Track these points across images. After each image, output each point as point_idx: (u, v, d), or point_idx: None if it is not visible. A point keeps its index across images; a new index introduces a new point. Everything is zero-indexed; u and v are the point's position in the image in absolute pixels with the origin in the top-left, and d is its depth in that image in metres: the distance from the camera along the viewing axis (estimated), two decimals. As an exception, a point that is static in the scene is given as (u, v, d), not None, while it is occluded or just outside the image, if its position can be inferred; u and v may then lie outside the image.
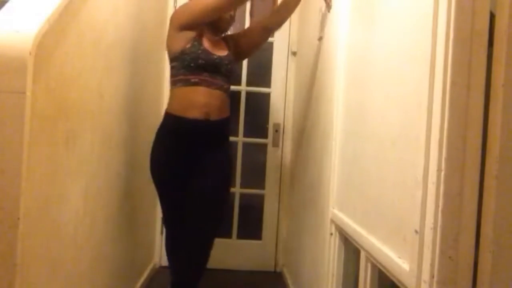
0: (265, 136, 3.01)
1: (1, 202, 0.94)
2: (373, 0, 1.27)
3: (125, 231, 2.03)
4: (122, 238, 1.97)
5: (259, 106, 3.02)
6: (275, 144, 2.99)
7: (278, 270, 2.97)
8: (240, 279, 2.82)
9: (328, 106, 1.77)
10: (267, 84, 3.01)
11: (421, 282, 0.84)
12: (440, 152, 0.80)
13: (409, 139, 0.94)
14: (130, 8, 1.90)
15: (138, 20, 2.08)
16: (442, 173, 0.80)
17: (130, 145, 2.02)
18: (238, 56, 1.98)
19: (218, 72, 1.80)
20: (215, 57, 1.80)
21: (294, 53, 2.93)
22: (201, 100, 1.74)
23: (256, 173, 3.00)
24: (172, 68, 1.82)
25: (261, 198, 3.01)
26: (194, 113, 1.74)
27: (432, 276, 0.81)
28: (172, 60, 1.82)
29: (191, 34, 1.77)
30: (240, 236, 2.99)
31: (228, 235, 2.95)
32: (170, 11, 2.89)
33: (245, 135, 2.98)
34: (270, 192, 3.01)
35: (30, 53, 0.96)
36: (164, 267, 2.71)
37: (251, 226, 3.01)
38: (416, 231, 0.86)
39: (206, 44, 1.81)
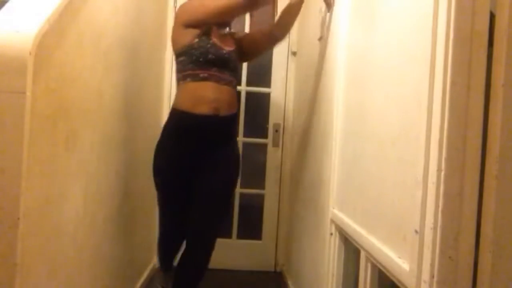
0: (265, 136, 3.01)
1: (1, 202, 0.94)
2: (373, 0, 1.27)
3: (125, 231, 2.03)
4: (122, 238, 1.97)
5: (259, 106, 3.02)
6: (275, 144, 2.99)
7: (278, 270, 2.97)
8: (240, 279, 2.82)
9: (328, 106, 1.77)
10: (267, 84, 3.01)
11: (421, 282, 0.84)
12: (440, 152, 0.80)
13: (409, 139, 0.94)
14: (130, 8, 1.90)
15: (138, 20, 2.08)
16: (442, 173, 0.80)
17: (130, 145, 2.02)
18: (239, 57, 1.96)
19: (227, 67, 1.78)
20: (225, 51, 1.78)
21: (294, 53, 2.94)
22: (210, 95, 1.71)
23: (256, 173, 3.00)
24: (179, 63, 1.78)
25: (261, 198, 3.01)
26: (203, 109, 1.71)
27: (432, 276, 0.81)
28: (179, 54, 1.78)
29: (198, 29, 1.74)
30: (240, 236, 3.00)
31: (228, 235, 2.95)
32: (170, 11, 2.89)
33: (245, 135, 2.98)
34: (270, 192, 3.01)
35: (30, 53, 0.96)
36: (164, 267, 2.71)
37: (251, 226, 3.01)
38: (416, 231, 0.86)
39: (214, 38, 1.78)
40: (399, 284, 0.96)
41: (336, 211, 1.54)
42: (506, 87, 0.77)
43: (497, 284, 0.78)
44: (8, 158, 0.95)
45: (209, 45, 1.73)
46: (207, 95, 1.71)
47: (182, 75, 1.76)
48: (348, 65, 1.52)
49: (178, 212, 1.83)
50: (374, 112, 1.21)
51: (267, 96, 3.01)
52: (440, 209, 0.80)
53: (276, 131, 2.99)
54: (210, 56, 1.72)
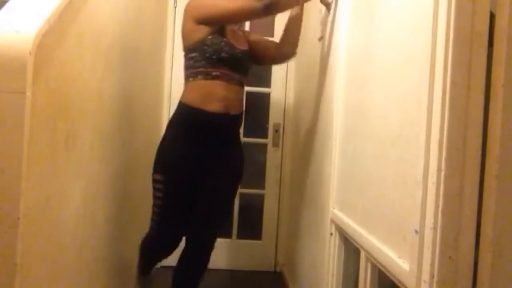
0: (265, 136, 3.01)
1: (1, 202, 0.94)
2: (373, 0, 1.27)
3: (125, 231, 2.03)
4: (122, 238, 1.97)
5: (259, 106, 3.02)
6: (275, 144, 2.99)
7: (278, 270, 2.97)
8: (240, 279, 2.82)
9: (328, 105, 1.77)
10: (267, 84, 3.01)
11: (421, 282, 0.84)
12: (440, 152, 0.80)
13: (409, 139, 0.94)
14: (130, 8, 1.90)
15: (138, 20, 2.08)
16: (442, 173, 0.80)
17: (130, 144, 2.02)
18: (251, 58, 1.91)
19: (238, 67, 1.75)
20: (238, 51, 1.75)
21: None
22: (221, 93, 1.69)
23: (256, 173, 3.00)
24: (190, 58, 1.73)
25: (261, 198, 3.01)
26: (215, 107, 1.69)
27: (432, 276, 0.81)
28: (190, 50, 1.73)
29: (210, 26, 1.70)
30: (240, 236, 3.00)
31: (228, 235, 2.96)
32: (170, 11, 2.89)
33: (245, 135, 2.98)
34: (270, 192, 3.01)
35: (30, 53, 0.96)
36: (165, 267, 2.71)
37: (251, 226, 3.01)
38: (416, 231, 0.86)
39: (228, 35, 1.75)
40: (399, 284, 0.96)
41: (336, 211, 1.54)
42: (506, 87, 0.77)
43: (497, 284, 0.78)
44: (8, 158, 0.95)
45: (223, 43, 1.70)
46: (218, 93, 1.69)
47: (193, 72, 1.72)
48: (348, 65, 1.52)
49: (181, 213, 1.77)
50: (374, 112, 1.21)
51: (267, 96, 3.01)
52: (440, 209, 0.80)
53: (276, 131, 2.99)
54: (223, 54, 1.69)
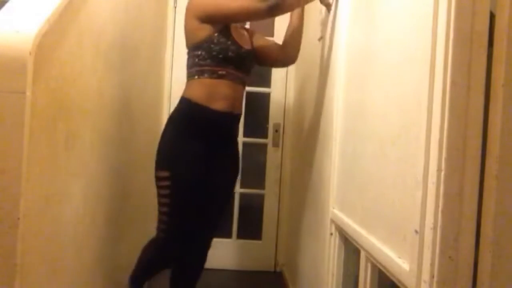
0: (265, 136, 3.01)
1: (1, 202, 0.94)
2: (373, 0, 1.27)
3: (125, 231, 2.03)
4: (122, 238, 1.97)
5: (259, 106, 3.02)
6: (275, 144, 2.99)
7: (278, 270, 2.97)
8: (240, 279, 2.82)
9: (328, 105, 1.77)
10: (267, 84, 3.01)
11: (421, 282, 0.84)
12: (440, 152, 0.80)
13: (409, 139, 0.94)
14: (130, 8, 1.90)
15: (138, 20, 2.08)
16: (442, 173, 0.80)
17: (130, 144, 2.02)
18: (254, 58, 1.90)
19: (243, 66, 1.76)
20: (243, 50, 1.75)
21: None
22: (226, 92, 1.70)
23: (256, 173, 3.00)
24: (194, 56, 1.71)
25: (261, 198, 3.01)
26: (220, 105, 1.69)
27: (432, 276, 0.81)
28: (195, 48, 1.71)
29: (214, 24, 1.68)
30: (240, 236, 3.00)
31: (228, 235, 2.96)
32: (170, 11, 2.90)
33: (245, 135, 2.98)
34: (270, 192, 3.01)
35: (30, 53, 0.96)
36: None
37: (251, 226, 3.01)
38: (416, 231, 0.86)
39: (234, 33, 1.74)
40: (399, 284, 0.96)
41: (336, 211, 1.54)
42: (506, 87, 0.77)
43: (497, 284, 0.78)
44: (8, 158, 0.95)
45: (229, 42, 1.70)
46: (224, 92, 1.69)
47: (199, 70, 1.70)
48: (348, 65, 1.52)
49: (191, 210, 1.70)
50: (374, 112, 1.21)
51: (267, 96, 3.01)
52: (440, 209, 0.80)
53: (276, 131, 2.99)
54: (230, 53, 1.69)
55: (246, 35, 1.89)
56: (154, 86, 2.62)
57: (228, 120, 1.74)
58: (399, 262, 0.95)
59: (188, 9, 1.73)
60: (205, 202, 1.76)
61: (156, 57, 2.63)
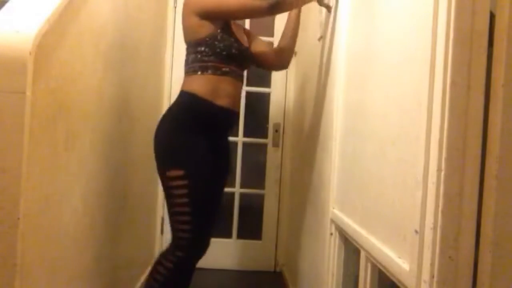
0: (265, 136, 3.01)
1: (1, 202, 0.94)
2: (373, 0, 1.27)
3: (125, 231, 2.04)
4: (122, 238, 1.97)
5: (259, 106, 3.02)
6: (275, 144, 2.99)
7: (278, 270, 2.97)
8: (240, 279, 2.82)
9: (328, 105, 1.77)
10: (267, 84, 3.01)
11: (421, 282, 0.84)
12: (440, 152, 0.80)
13: (409, 139, 0.94)
14: (130, 8, 1.90)
15: (138, 20, 2.08)
16: (442, 173, 0.80)
17: (130, 145, 2.02)
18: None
19: (243, 64, 1.79)
20: (244, 48, 1.78)
21: (294, 53, 2.93)
22: (229, 89, 1.71)
23: (256, 173, 3.00)
24: (197, 52, 1.69)
25: (261, 198, 3.01)
26: (223, 102, 1.69)
27: (432, 276, 0.81)
28: (197, 44, 1.69)
29: (215, 21, 1.68)
30: (240, 236, 3.00)
31: (228, 235, 2.96)
32: (170, 11, 2.90)
33: (245, 135, 2.98)
34: (270, 192, 3.01)
35: (30, 53, 0.96)
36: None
37: (251, 226, 3.01)
38: (416, 231, 0.86)
39: (235, 31, 1.76)
40: (399, 284, 0.96)
41: (336, 211, 1.54)
42: (506, 87, 0.77)
43: (497, 284, 0.78)
44: (8, 158, 0.95)
45: (232, 39, 1.71)
46: (227, 89, 1.70)
47: (202, 65, 1.67)
48: (348, 64, 1.52)
49: (211, 208, 1.68)
50: (374, 112, 1.21)
51: (267, 96, 3.01)
52: (440, 209, 0.80)
53: (276, 131, 2.99)
54: (234, 51, 1.70)
55: (244, 34, 1.91)
56: (154, 85, 2.62)
57: (229, 117, 1.76)
58: (399, 262, 0.95)
59: (186, 5, 1.71)
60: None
61: (156, 57, 2.63)
